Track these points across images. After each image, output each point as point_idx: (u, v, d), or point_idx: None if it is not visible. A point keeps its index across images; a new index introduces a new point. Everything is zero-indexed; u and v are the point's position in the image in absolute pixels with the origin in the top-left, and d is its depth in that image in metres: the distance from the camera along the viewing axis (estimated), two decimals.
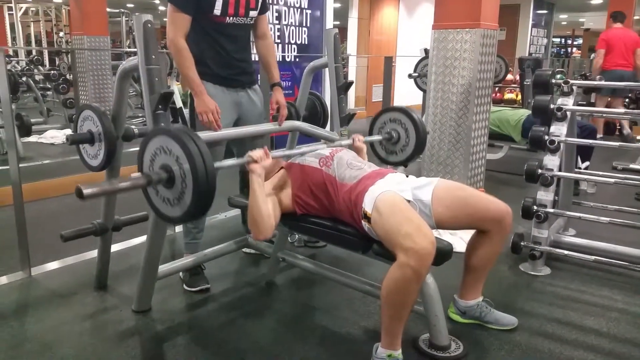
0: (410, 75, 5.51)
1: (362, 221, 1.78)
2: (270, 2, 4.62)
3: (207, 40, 2.24)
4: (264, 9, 2.39)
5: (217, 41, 2.25)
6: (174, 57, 2.17)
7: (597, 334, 2.06)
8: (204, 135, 2.13)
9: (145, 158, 1.65)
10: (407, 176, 1.99)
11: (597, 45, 6.51)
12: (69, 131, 5.81)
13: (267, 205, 1.87)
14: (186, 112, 2.54)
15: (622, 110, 3.23)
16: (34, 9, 11.73)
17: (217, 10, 2.18)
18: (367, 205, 1.75)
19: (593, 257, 2.53)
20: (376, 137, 2.53)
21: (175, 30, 2.12)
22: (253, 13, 2.31)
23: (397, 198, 1.75)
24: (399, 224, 1.65)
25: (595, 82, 3.16)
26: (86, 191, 1.45)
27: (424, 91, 5.43)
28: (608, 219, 2.60)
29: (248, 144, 2.39)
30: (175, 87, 4.79)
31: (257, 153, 1.85)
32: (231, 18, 2.24)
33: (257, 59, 2.52)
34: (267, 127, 2.45)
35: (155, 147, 1.60)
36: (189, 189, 1.53)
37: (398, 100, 7.13)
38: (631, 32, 6.41)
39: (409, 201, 1.81)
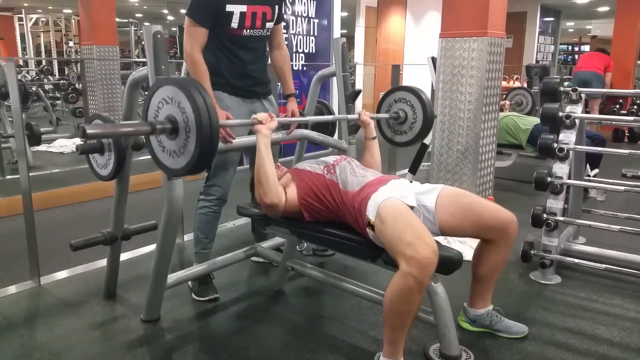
0: None
1: (367, 229, 1.77)
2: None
3: (224, 51, 2.26)
4: (279, 20, 2.40)
5: (234, 53, 2.27)
6: (189, 69, 2.18)
7: (609, 344, 2.04)
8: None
9: (150, 109, 1.66)
10: (411, 182, 1.99)
11: None
12: (78, 140, 5.86)
13: (273, 167, 1.90)
14: None
15: (632, 118, 3.20)
16: (44, 19, 11.89)
17: (235, 24, 2.19)
18: (371, 213, 1.75)
19: (604, 266, 2.51)
20: (383, 115, 2.54)
21: (192, 43, 2.14)
22: (269, 25, 2.33)
23: (400, 205, 1.75)
24: (401, 232, 1.64)
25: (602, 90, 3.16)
26: (89, 131, 1.49)
27: None
28: (619, 227, 2.57)
29: None
30: None
31: (262, 115, 1.93)
32: (248, 30, 2.25)
33: None
34: (276, 135, 2.45)
35: (160, 98, 1.62)
36: (192, 139, 1.55)
37: None
38: (605, 56, 7.12)
39: (412, 207, 1.80)
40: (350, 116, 2.35)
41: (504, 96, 5.63)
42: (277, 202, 1.90)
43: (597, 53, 7.13)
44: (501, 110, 4.67)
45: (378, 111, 2.59)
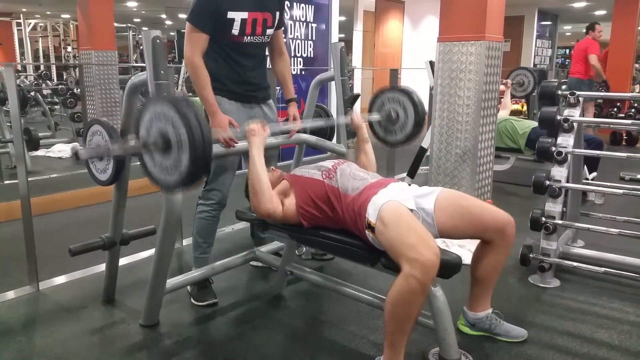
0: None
1: (366, 231, 1.78)
2: None
3: (225, 58, 2.26)
4: (280, 25, 2.40)
5: (234, 59, 2.27)
6: (190, 75, 2.18)
7: (608, 347, 2.04)
8: (217, 148, 2.15)
9: (142, 125, 1.65)
10: (409, 185, 1.99)
11: None
12: (76, 145, 5.85)
13: (267, 176, 1.91)
14: None
15: (629, 121, 3.21)
16: (42, 24, 11.89)
17: (235, 31, 2.19)
18: (371, 216, 1.75)
19: (603, 269, 2.51)
20: (375, 116, 2.54)
21: (193, 48, 2.14)
22: (270, 31, 2.32)
23: (401, 208, 1.75)
24: (403, 235, 1.65)
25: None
26: (81, 152, 1.50)
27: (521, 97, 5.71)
28: (617, 230, 2.58)
29: None
30: None
31: (254, 125, 1.92)
32: (249, 37, 2.25)
33: None
34: (275, 140, 2.45)
35: (152, 115, 1.61)
36: (185, 155, 1.54)
37: None
38: (583, 43, 6.93)
39: (411, 210, 1.80)
40: (342, 119, 2.37)
41: (507, 76, 5.58)
42: (273, 210, 1.91)
43: (578, 44, 7.04)
44: (502, 90, 4.64)
45: (370, 111, 2.60)
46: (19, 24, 11.45)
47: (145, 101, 1.69)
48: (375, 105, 2.60)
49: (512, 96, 5.64)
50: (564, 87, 6.36)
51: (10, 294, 2.48)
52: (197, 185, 1.69)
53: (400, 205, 1.76)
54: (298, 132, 2.53)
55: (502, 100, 4.95)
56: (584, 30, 7.14)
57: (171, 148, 1.57)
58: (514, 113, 6.57)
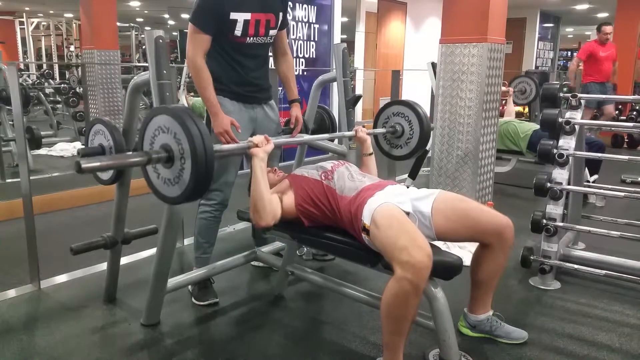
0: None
1: (362, 234, 1.78)
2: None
3: (227, 59, 2.26)
4: (283, 25, 2.40)
5: (237, 60, 2.27)
6: (192, 75, 2.19)
7: (609, 350, 2.04)
8: (219, 148, 2.16)
9: (146, 137, 1.67)
10: (407, 187, 1.99)
11: None
12: (78, 144, 5.87)
13: (269, 191, 1.90)
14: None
15: (631, 124, 3.21)
16: (45, 23, 11.91)
17: (238, 32, 2.19)
18: (366, 218, 1.76)
19: (603, 272, 2.51)
20: (380, 130, 2.53)
21: (195, 49, 2.14)
22: (273, 32, 2.32)
23: (394, 210, 1.75)
24: (395, 237, 1.65)
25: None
26: (84, 165, 1.47)
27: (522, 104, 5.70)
28: (618, 232, 2.58)
29: None
30: (184, 100, 4.85)
31: (258, 138, 1.92)
32: (251, 38, 2.24)
33: None
34: (278, 140, 2.45)
35: (155, 127, 1.63)
36: (187, 168, 1.55)
37: None
38: None
39: (408, 213, 1.81)
40: (347, 133, 2.36)
41: (509, 83, 5.58)
42: (272, 223, 1.92)
43: None
44: (504, 98, 4.64)
45: (375, 124, 2.59)
46: (22, 23, 11.48)
47: (148, 113, 1.71)
48: (380, 118, 2.60)
49: (515, 104, 5.66)
50: (565, 89, 6.35)
51: (12, 293, 2.49)
52: (197, 198, 1.69)
53: (394, 208, 1.76)
54: (300, 132, 2.54)
55: (505, 108, 4.96)
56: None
57: (174, 160, 1.58)
58: (515, 115, 6.58)
